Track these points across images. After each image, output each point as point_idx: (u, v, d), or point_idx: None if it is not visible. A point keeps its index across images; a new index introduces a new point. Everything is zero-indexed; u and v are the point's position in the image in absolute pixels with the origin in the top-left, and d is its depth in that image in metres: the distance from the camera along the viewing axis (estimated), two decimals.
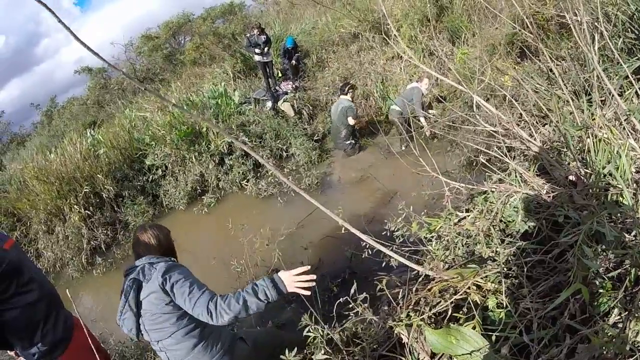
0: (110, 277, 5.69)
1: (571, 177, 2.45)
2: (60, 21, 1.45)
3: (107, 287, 5.57)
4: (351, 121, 6.43)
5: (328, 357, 2.00)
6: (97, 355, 2.26)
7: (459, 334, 1.67)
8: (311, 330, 2.00)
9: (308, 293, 1.82)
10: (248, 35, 8.98)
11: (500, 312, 1.82)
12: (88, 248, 6.28)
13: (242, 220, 4.78)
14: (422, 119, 6.34)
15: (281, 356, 1.91)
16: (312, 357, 2.00)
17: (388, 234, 2.75)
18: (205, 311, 1.81)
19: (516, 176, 2.80)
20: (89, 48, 1.48)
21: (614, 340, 1.41)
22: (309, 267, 1.85)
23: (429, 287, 2.12)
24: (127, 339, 3.58)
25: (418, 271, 2.41)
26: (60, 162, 7.35)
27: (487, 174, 3.00)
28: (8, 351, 2.10)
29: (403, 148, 6.21)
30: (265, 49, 8.72)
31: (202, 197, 6.72)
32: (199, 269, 4.78)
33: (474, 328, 1.73)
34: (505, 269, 2.00)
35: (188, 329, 1.97)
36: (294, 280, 1.80)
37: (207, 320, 1.83)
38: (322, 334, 2.00)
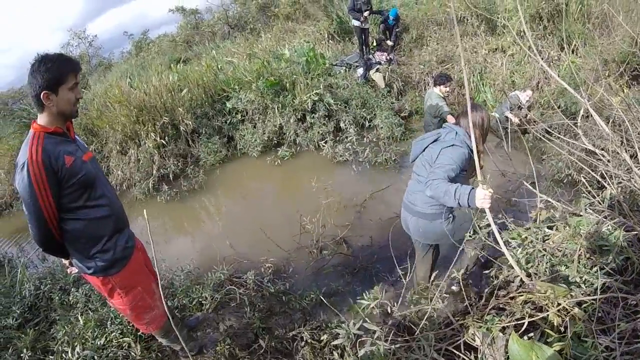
0: (172, 205, 5.90)
1: None
2: None
3: (168, 214, 5.78)
4: (450, 119, 5.88)
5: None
6: (151, 279, 2.34)
7: (541, 352, 1.55)
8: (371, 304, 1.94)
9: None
10: None
11: (587, 343, 1.67)
12: (157, 175, 6.52)
13: (312, 179, 4.75)
14: (508, 113, 5.97)
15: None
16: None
17: None
18: (428, 182, 2.29)
19: (612, 205, 2.59)
20: None
21: None
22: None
23: (511, 295, 1.98)
24: (177, 269, 3.68)
25: (495, 275, 2.29)
26: (144, 91, 7.57)
27: (583, 196, 2.77)
28: (63, 259, 2.14)
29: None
30: (367, 14, 8.55)
31: (277, 148, 6.78)
32: (261, 217, 4.85)
33: (559, 351, 1.60)
34: (600, 300, 1.83)
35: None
36: (484, 200, 1.98)
37: (423, 187, 2.41)
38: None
